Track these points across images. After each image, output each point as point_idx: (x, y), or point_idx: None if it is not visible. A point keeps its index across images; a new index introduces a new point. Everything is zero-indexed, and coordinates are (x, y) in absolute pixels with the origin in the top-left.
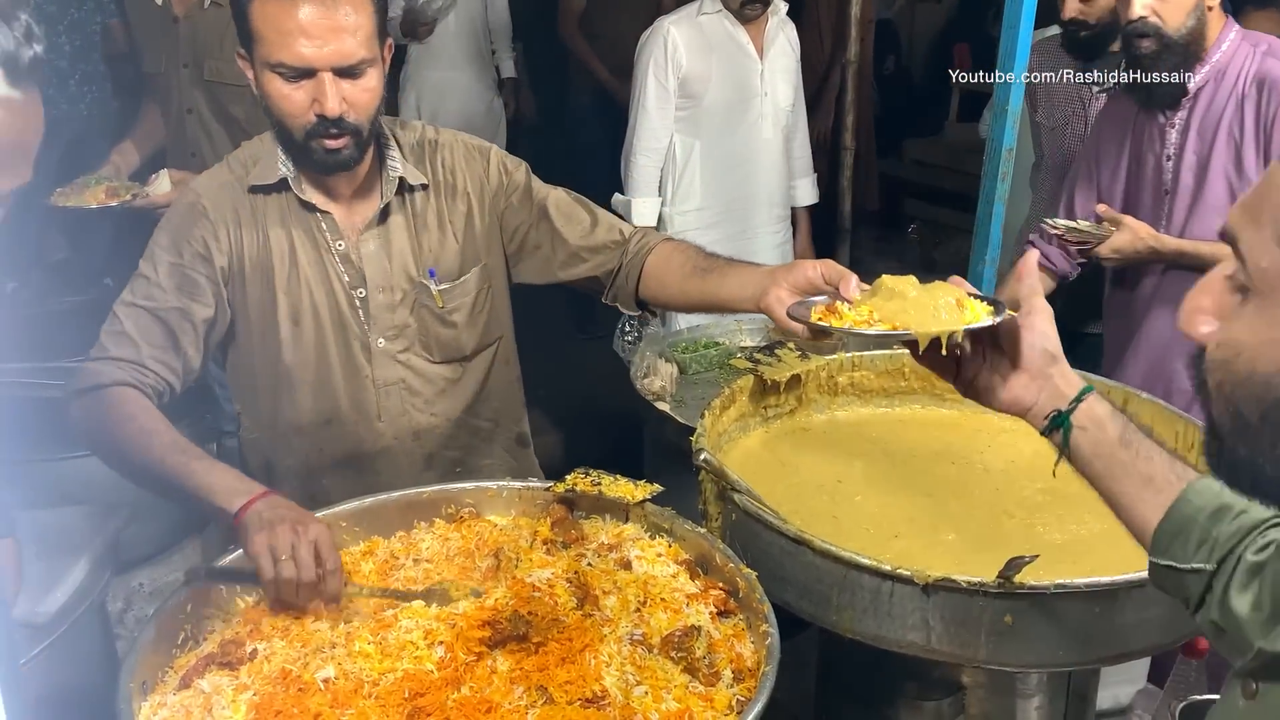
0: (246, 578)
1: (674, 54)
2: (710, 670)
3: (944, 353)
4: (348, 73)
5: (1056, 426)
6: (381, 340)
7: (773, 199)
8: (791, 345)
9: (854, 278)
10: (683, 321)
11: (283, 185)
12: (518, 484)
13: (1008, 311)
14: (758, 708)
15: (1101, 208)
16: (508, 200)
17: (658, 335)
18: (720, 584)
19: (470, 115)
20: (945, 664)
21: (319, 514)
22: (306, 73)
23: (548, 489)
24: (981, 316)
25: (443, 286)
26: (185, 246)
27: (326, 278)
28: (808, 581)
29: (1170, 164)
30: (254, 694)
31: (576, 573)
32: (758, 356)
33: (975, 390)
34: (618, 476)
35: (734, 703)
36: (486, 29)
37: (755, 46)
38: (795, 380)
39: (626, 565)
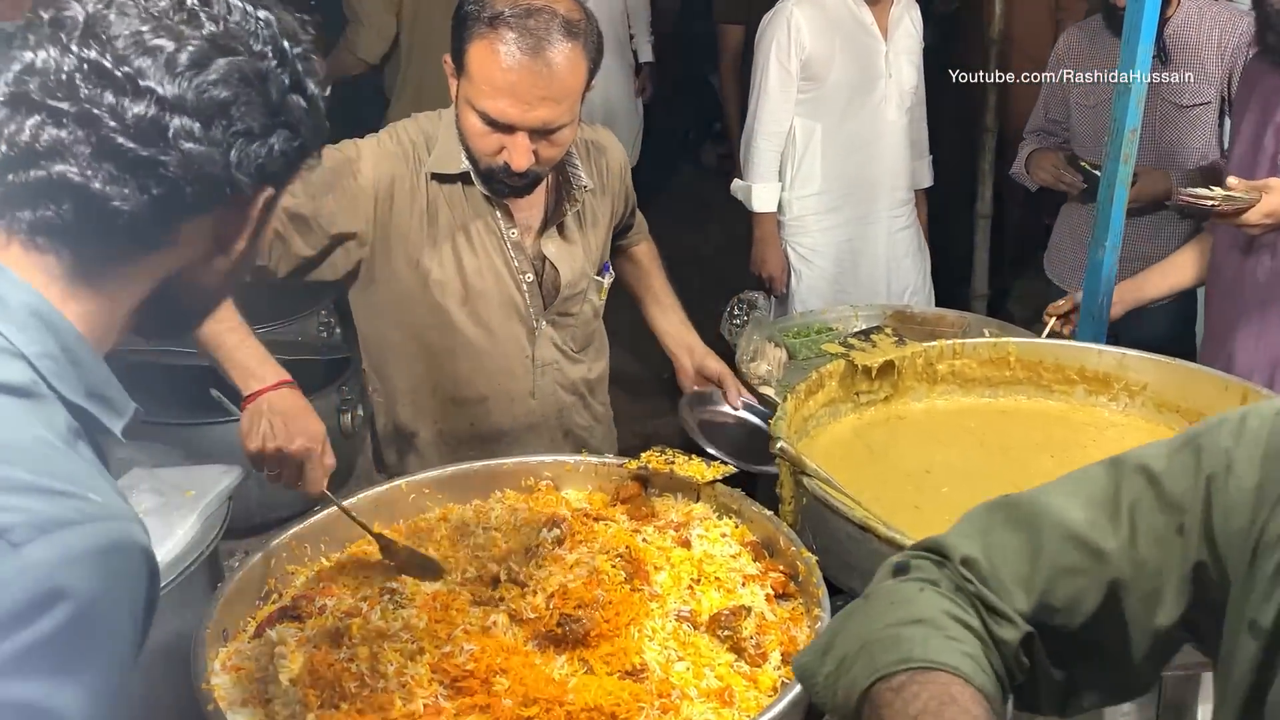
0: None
1: (797, 35)
2: (757, 651)
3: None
4: (543, 134)
5: None
6: (544, 324)
7: (896, 183)
8: (889, 330)
9: (737, 392)
10: (798, 306)
11: (465, 177)
12: (594, 459)
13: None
14: (796, 690)
15: (1233, 180)
16: (623, 206)
17: (765, 319)
18: (781, 567)
19: (612, 100)
20: None
21: (404, 480)
22: (504, 127)
23: (622, 465)
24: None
25: (609, 281)
26: (324, 193)
27: (499, 264)
28: (873, 569)
29: None
30: (313, 646)
31: (628, 547)
32: (851, 341)
33: None
34: (692, 456)
35: (778, 684)
36: (625, 14)
37: (880, 27)
38: (889, 367)
39: (685, 543)
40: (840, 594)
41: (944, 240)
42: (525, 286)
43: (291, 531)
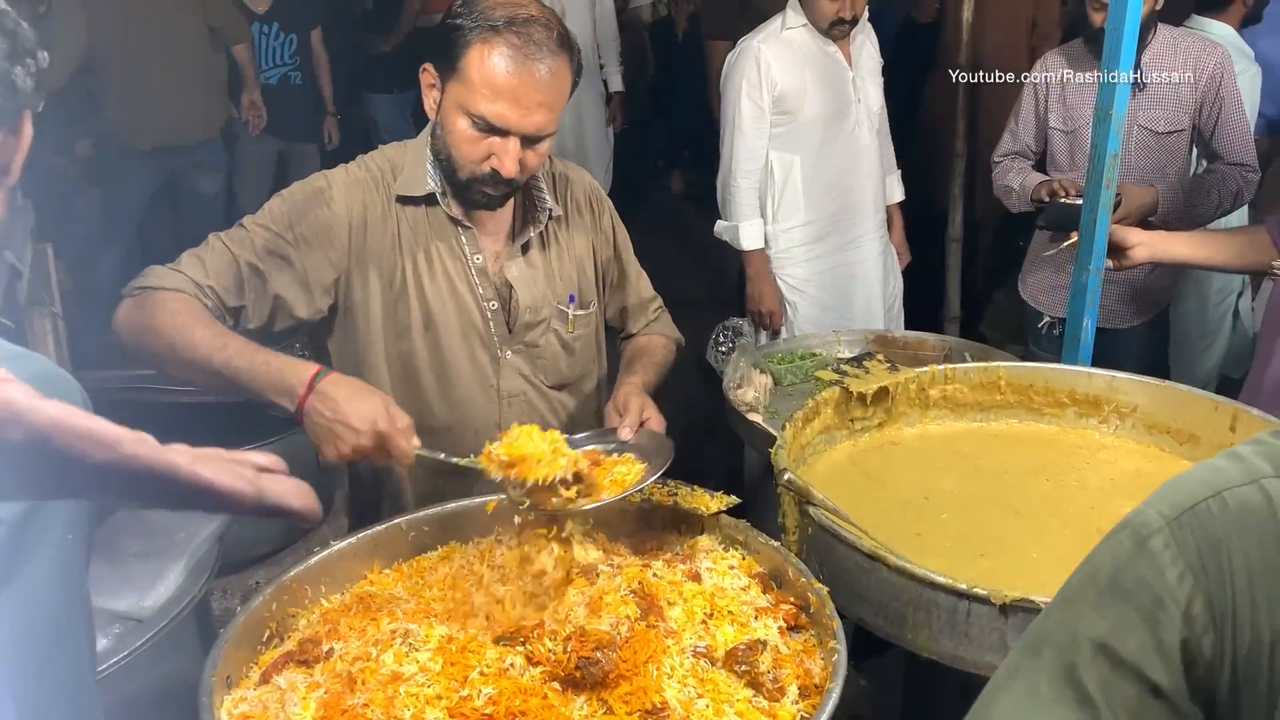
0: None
1: (767, 72)
2: (775, 685)
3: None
4: (532, 140)
5: None
6: (509, 353)
7: (876, 203)
8: (881, 357)
9: (627, 428)
10: (782, 332)
11: (429, 199)
12: None
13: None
14: None
15: None
16: (609, 257)
17: (751, 346)
18: (792, 599)
19: (584, 128)
20: None
21: (403, 519)
22: (498, 131)
23: (625, 498)
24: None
25: (578, 313)
26: (297, 226)
27: (462, 289)
28: (883, 599)
29: None
30: (324, 691)
31: (640, 583)
32: (844, 368)
33: None
34: (695, 488)
35: (798, 719)
36: (595, 45)
37: (844, 55)
38: (883, 393)
39: (696, 577)
40: (845, 622)
41: (915, 263)
42: (490, 313)
43: (292, 573)
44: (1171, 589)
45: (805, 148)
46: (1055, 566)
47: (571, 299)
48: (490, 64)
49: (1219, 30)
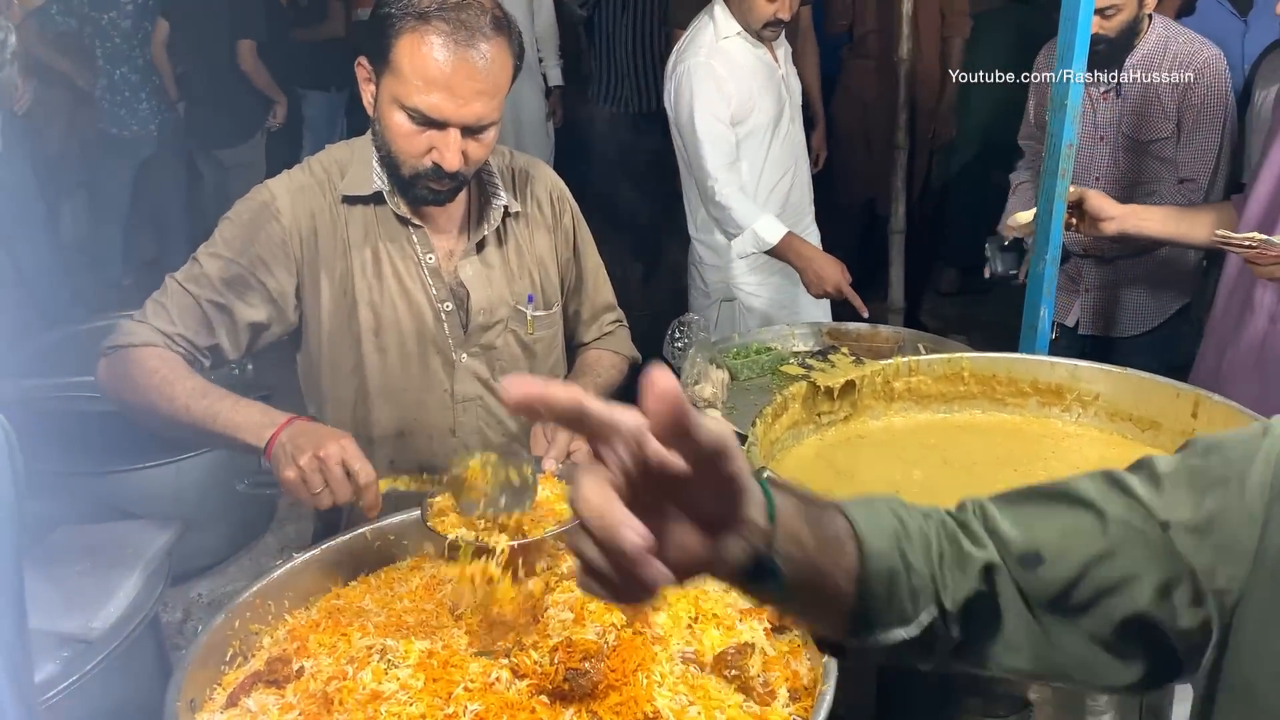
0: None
1: (722, 86)
2: (765, 689)
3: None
4: (474, 131)
5: (764, 573)
6: (465, 356)
7: (810, 194)
8: (845, 350)
9: (552, 459)
10: (730, 327)
11: (377, 198)
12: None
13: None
14: None
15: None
16: (568, 257)
17: (707, 342)
18: None
19: (524, 123)
20: (1009, 680)
21: (368, 528)
22: (436, 124)
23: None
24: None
25: (537, 314)
26: (250, 247)
27: (414, 290)
28: None
29: None
30: (299, 713)
31: None
32: (810, 362)
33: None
34: None
35: None
36: (534, 38)
37: (770, 54)
38: (849, 386)
39: None
40: None
41: (853, 254)
42: (444, 315)
43: (254, 589)
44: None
45: (754, 151)
46: None
47: (530, 299)
48: (421, 54)
49: None
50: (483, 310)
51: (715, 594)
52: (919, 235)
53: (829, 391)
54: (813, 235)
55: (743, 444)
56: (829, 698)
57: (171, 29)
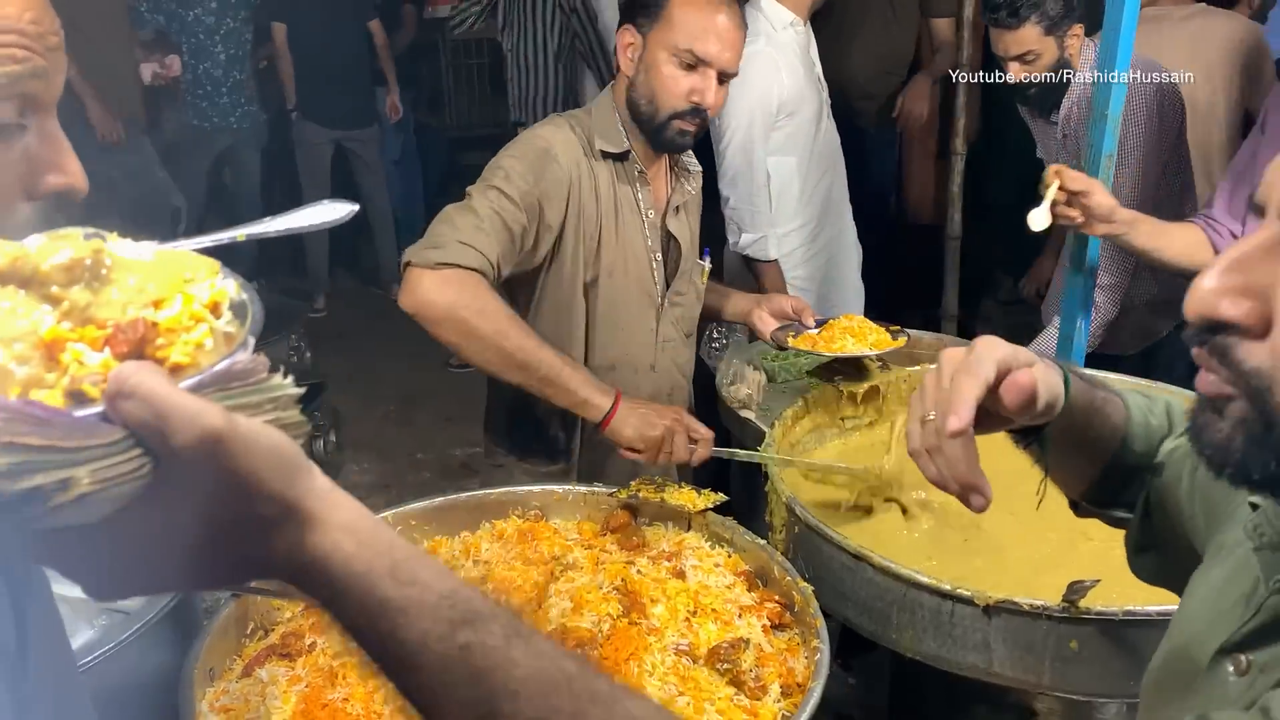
0: (288, 594)
1: (776, 76)
2: (757, 684)
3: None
4: (724, 77)
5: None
6: (667, 302)
7: (847, 191)
8: (873, 357)
9: (810, 312)
10: None
11: (625, 155)
12: (583, 488)
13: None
14: None
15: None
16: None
17: (744, 343)
18: (777, 597)
19: None
20: (1015, 689)
21: (390, 512)
22: (702, 65)
23: (612, 494)
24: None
25: (707, 267)
26: (539, 182)
27: (637, 240)
28: (868, 599)
29: None
30: (305, 685)
31: (624, 579)
32: (836, 366)
33: None
34: (683, 484)
35: (779, 717)
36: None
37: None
38: (874, 391)
39: (680, 574)
40: (831, 620)
41: (915, 262)
42: (656, 263)
43: None
44: None
45: (801, 147)
46: (1038, 568)
47: (706, 252)
48: (699, 4)
49: None
50: (686, 258)
51: (716, 589)
52: (973, 242)
53: (852, 396)
54: (849, 233)
55: (762, 443)
56: (817, 694)
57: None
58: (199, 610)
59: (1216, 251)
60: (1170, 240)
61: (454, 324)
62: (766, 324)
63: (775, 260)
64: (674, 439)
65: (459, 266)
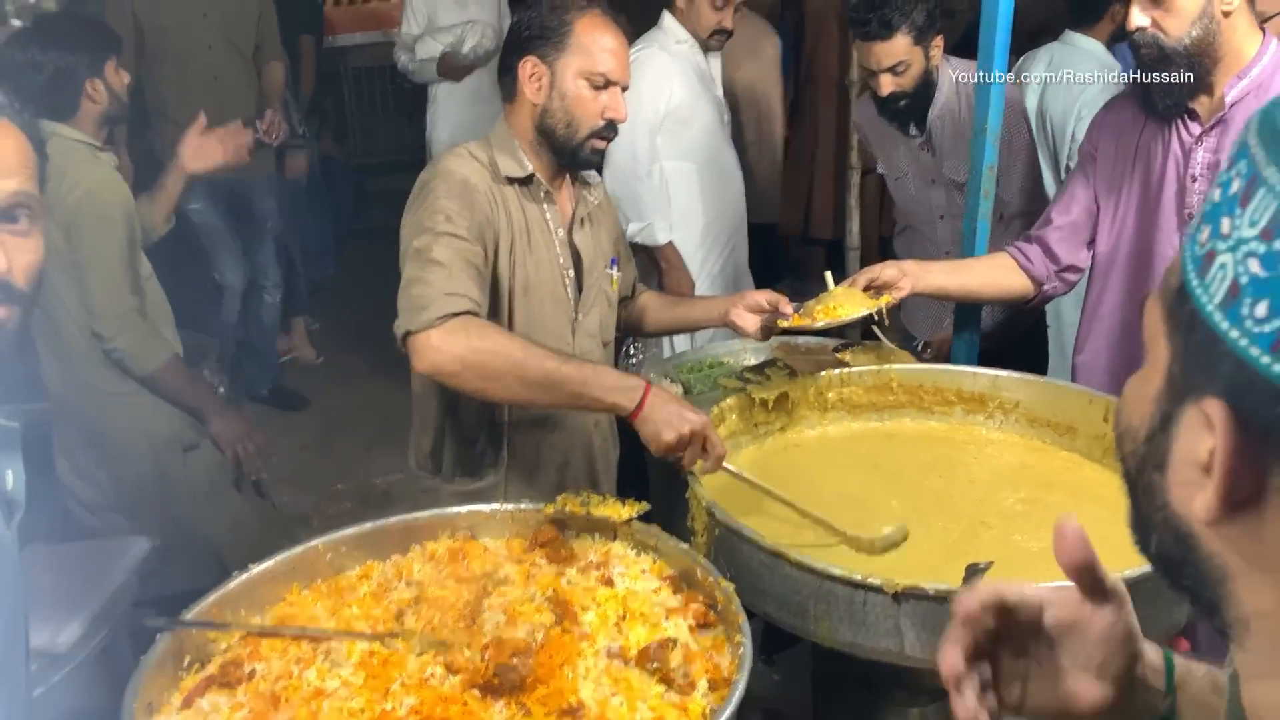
0: (213, 625)
1: (667, 80)
2: (685, 680)
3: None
4: (623, 89)
5: None
6: (581, 315)
7: (745, 207)
8: (781, 363)
9: (785, 300)
10: (685, 342)
11: (530, 178)
12: (510, 506)
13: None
14: (725, 714)
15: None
16: (618, 235)
17: (660, 356)
18: (701, 597)
19: None
20: (927, 671)
21: (320, 540)
22: (610, 84)
23: (538, 510)
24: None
25: (616, 274)
26: (475, 211)
27: (549, 257)
28: (786, 593)
29: (1196, 185)
30: (248, 711)
31: (554, 590)
32: (747, 375)
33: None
34: (606, 496)
35: (707, 711)
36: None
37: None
38: (784, 398)
39: (609, 582)
40: (755, 618)
41: (813, 270)
42: (568, 280)
43: (210, 598)
44: None
45: (699, 155)
46: (943, 558)
47: (614, 261)
48: (598, 29)
49: (1087, 45)
50: (590, 268)
51: (644, 594)
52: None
53: (764, 403)
54: (742, 249)
55: None
56: (741, 686)
57: None
58: (126, 651)
59: (1024, 271)
60: (971, 273)
61: (472, 370)
62: (746, 320)
63: (669, 244)
64: (693, 444)
65: (453, 315)
